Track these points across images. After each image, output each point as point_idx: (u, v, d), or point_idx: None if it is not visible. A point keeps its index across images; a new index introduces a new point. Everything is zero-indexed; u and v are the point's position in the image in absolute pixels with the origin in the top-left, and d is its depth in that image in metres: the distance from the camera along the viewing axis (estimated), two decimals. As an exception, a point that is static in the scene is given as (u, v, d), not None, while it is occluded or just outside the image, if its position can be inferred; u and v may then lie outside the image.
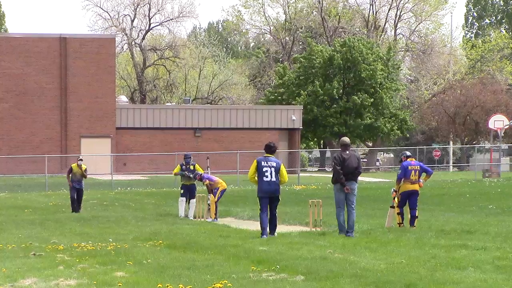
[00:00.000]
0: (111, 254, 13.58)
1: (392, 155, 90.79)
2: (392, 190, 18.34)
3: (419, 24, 79.73)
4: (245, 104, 72.30)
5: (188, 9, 77.22)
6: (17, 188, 39.49)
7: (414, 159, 18.33)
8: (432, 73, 78.45)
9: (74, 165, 26.11)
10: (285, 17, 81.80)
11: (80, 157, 26.63)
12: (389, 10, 79.27)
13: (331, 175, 16.88)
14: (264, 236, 16.36)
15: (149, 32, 77.16)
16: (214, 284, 10.27)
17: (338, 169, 16.33)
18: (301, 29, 79.69)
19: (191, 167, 24.18)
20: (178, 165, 24.69)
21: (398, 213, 18.08)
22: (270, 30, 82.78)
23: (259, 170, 16.48)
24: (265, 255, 13.05)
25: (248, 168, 16.88)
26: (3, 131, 53.40)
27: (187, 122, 56.05)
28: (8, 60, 53.67)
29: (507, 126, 56.79)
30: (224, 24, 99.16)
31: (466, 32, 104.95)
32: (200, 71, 78.09)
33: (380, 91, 65.16)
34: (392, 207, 18.20)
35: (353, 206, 16.51)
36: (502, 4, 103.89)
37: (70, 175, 25.95)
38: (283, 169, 16.63)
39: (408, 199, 17.95)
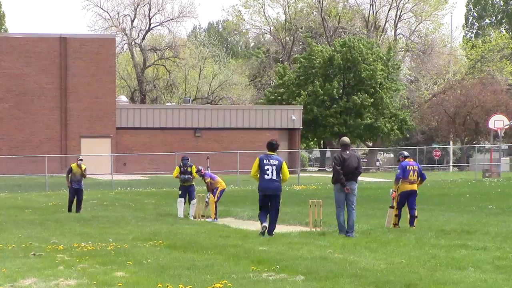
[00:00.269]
0: (111, 254, 13.58)
1: (392, 155, 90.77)
2: (392, 191, 18.27)
3: (419, 24, 79.76)
4: (245, 104, 72.29)
5: (188, 9, 77.32)
6: (17, 188, 39.48)
7: (412, 159, 18.34)
8: (432, 73, 78.46)
9: (73, 165, 26.13)
10: (285, 17, 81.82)
11: (80, 157, 26.65)
12: (389, 10, 79.31)
13: (331, 175, 16.87)
14: (264, 224, 16.33)
15: (149, 32, 77.19)
16: (214, 284, 10.27)
17: (338, 169, 16.33)
18: (301, 29, 79.70)
19: (189, 169, 24.15)
20: (177, 167, 24.61)
21: (395, 215, 18.04)
22: (270, 30, 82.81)
23: (261, 168, 16.54)
24: (265, 255, 13.05)
25: (248, 168, 16.93)
26: (3, 131, 53.41)
27: (187, 122, 56.05)
28: (8, 60, 53.67)
29: (507, 126, 56.79)
30: (224, 24, 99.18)
31: (466, 32, 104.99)
32: (200, 71, 78.09)
33: (380, 91, 65.18)
34: (392, 207, 18.18)
35: (353, 206, 16.50)
36: (502, 4, 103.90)
37: (70, 175, 25.96)
38: (285, 167, 16.63)
39: (407, 199, 17.94)
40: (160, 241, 15.54)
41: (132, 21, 75.81)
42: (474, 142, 74.93)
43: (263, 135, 56.17)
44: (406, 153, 18.44)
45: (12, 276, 11.25)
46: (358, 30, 79.57)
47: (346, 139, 16.84)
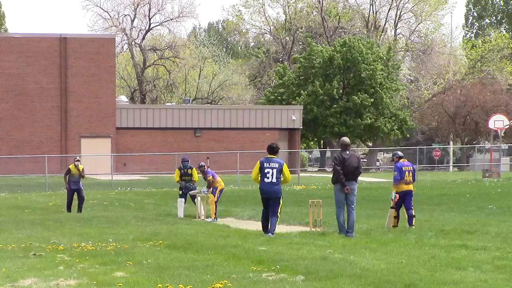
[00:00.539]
0: (111, 254, 13.57)
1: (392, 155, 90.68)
2: (394, 194, 18.02)
3: (419, 24, 79.79)
4: (245, 104, 72.28)
5: (188, 9, 77.35)
6: (17, 188, 39.46)
7: (406, 160, 18.35)
8: (432, 73, 78.47)
9: (71, 166, 26.17)
10: (285, 17, 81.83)
11: (77, 157, 26.65)
12: (389, 10, 79.36)
13: (331, 175, 16.88)
14: (269, 232, 16.53)
15: (149, 32, 77.20)
16: (214, 284, 10.27)
17: (338, 169, 16.33)
18: (301, 29, 79.71)
19: (189, 171, 24.11)
20: (177, 169, 24.49)
21: (394, 216, 18.03)
22: (270, 30, 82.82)
23: (261, 171, 16.65)
24: (265, 255, 13.05)
25: (248, 168, 17.05)
26: (3, 131, 53.42)
27: (187, 122, 56.07)
28: (8, 60, 53.69)
29: (507, 126, 56.78)
30: (224, 24, 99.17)
31: (466, 32, 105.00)
32: (200, 71, 78.08)
33: (380, 91, 65.18)
34: (393, 207, 18.18)
35: (353, 206, 16.51)
36: (502, 4, 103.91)
37: (68, 176, 26.02)
38: (286, 169, 16.72)
39: (404, 199, 17.95)
40: (160, 241, 15.53)
41: (132, 21, 75.86)
42: (474, 142, 74.94)
43: (263, 135, 56.26)
44: (400, 153, 18.41)
45: (12, 276, 11.25)
46: (358, 30, 79.58)
47: (346, 139, 16.84)
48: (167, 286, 10.23)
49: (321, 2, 78.07)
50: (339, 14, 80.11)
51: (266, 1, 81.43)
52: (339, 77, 65.13)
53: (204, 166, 23.97)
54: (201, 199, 23.50)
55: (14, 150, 52.59)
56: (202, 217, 22.76)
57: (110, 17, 75.36)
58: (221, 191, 23.58)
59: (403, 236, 15.80)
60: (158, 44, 77.37)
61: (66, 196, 26.47)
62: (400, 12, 78.97)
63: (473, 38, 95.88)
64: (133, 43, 76.08)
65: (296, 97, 64.83)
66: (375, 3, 79.59)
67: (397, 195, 17.88)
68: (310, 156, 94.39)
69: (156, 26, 77.27)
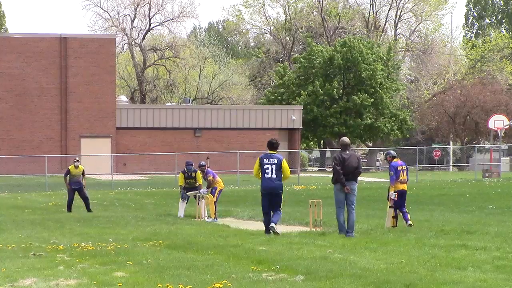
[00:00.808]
0: (111, 254, 13.57)
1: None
2: (394, 194, 18.05)
3: (419, 24, 79.78)
4: (245, 104, 72.29)
5: (188, 9, 77.29)
6: (17, 188, 39.47)
7: (398, 159, 18.42)
8: (432, 73, 78.48)
9: (71, 167, 26.13)
10: (285, 17, 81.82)
11: (77, 158, 26.58)
12: (389, 10, 79.36)
13: (331, 175, 16.88)
14: (271, 228, 16.57)
15: (149, 32, 77.18)
16: (214, 284, 10.27)
17: (338, 169, 16.33)
18: (301, 29, 79.71)
19: (193, 174, 23.93)
20: (181, 173, 24.29)
21: (393, 216, 18.05)
22: (270, 30, 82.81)
23: (261, 167, 16.69)
24: (265, 255, 13.05)
25: (248, 168, 17.12)
26: (3, 131, 53.43)
27: (187, 122, 56.06)
28: (8, 60, 53.68)
29: (507, 126, 56.79)
30: (224, 24, 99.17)
31: (466, 32, 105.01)
32: (200, 71, 78.06)
33: (380, 91, 65.19)
34: (392, 207, 18.20)
35: (353, 206, 16.51)
36: (502, 4, 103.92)
37: (68, 177, 25.99)
38: (285, 165, 16.75)
39: (400, 198, 18.04)
40: (160, 241, 15.53)
41: (132, 21, 75.84)
42: (474, 142, 74.95)
43: (263, 135, 56.20)
44: (393, 153, 18.49)
45: (12, 276, 11.26)
46: (358, 30, 79.57)
47: (346, 139, 16.85)
48: (167, 286, 10.23)
49: (321, 2, 78.07)
50: (339, 14, 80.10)
51: (266, 1, 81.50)
52: (339, 77, 65.14)
53: (204, 165, 23.93)
54: (200, 199, 23.49)
55: (14, 150, 52.59)
56: (204, 218, 22.74)
57: (110, 17, 75.40)
58: (220, 191, 23.58)
59: (403, 236, 15.80)
60: (158, 44, 77.35)
61: (67, 196, 26.43)
62: (400, 12, 78.99)
63: (473, 38, 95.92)
64: (133, 43, 76.07)
65: (296, 97, 64.83)
66: (375, 3, 79.64)
67: (396, 194, 17.91)
68: (310, 156, 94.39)
69: (156, 26, 77.33)
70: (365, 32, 77.99)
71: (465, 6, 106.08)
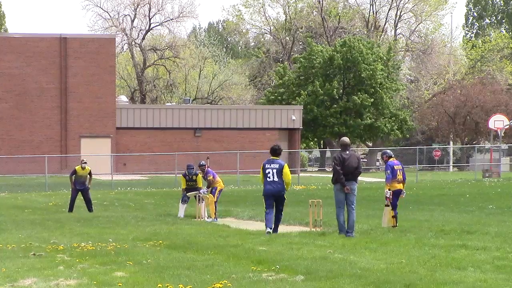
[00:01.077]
0: (111, 254, 13.57)
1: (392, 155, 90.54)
2: (388, 193, 18.11)
3: (419, 24, 79.79)
4: (245, 104, 72.29)
5: (188, 9, 77.28)
6: (17, 188, 39.48)
7: (395, 159, 18.49)
8: (432, 73, 78.49)
9: (78, 167, 25.97)
10: (285, 17, 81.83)
11: (84, 159, 26.43)
12: (389, 10, 79.37)
13: (331, 175, 16.90)
14: (268, 229, 16.81)
15: (149, 32, 77.18)
16: (214, 284, 10.27)
17: (338, 169, 16.34)
18: (301, 29, 79.71)
19: (194, 177, 23.91)
20: (182, 176, 24.26)
21: (392, 216, 18.06)
22: (270, 30, 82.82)
23: (264, 172, 17.10)
24: (265, 255, 13.05)
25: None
26: (3, 131, 53.43)
27: (187, 122, 56.06)
28: (8, 60, 53.68)
29: (507, 126, 56.78)
30: (224, 24, 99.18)
31: (466, 32, 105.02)
32: (200, 71, 78.06)
33: (380, 91, 65.19)
34: (387, 205, 18.25)
35: (353, 206, 16.52)
36: (502, 4, 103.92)
37: (74, 176, 25.86)
38: (286, 170, 17.05)
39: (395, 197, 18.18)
40: (160, 241, 15.54)
41: (132, 21, 75.84)
42: (474, 142, 74.94)
43: (263, 135, 56.25)
44: (390, 152, 18.56)
45: (12, 276, 11.26)
46: (358, 30, 79.59)
47: (346, 139, 16.87)
48: (167, 286, 10.24)
49: (321, 2, 78.08)
50: (339, 14, 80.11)
51: (266, 1, 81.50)
52: (339, 77, 65.14)
53: (204, 165, 23.92)
54: (200, 200, 23.49)
55: (14, 150, 52.59)
56: (204, 218, 22.75)
57: (110, 17, 75.40)
58: (220, 191, 23.58)
59: (403, 236, 15.80)
60: (158, 44, 77.35)
61: (70, 195, 26.36)
62: (400, 12, 78.99)
63: (473, 38, 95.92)
64: (133, 43, 76.07)
65: (296, 97, 64.83)
66: (375, 3, 79.63)
67: (391, 192, 17.98)
68: (310, 156, 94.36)
69: (156, 26, 77.32)
70: (365, 32, 78.00)
71: (465, 6, 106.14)
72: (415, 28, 79.78)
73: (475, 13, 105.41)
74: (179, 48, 75.26)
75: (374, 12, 79.99)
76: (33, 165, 49.00)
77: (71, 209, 25.88)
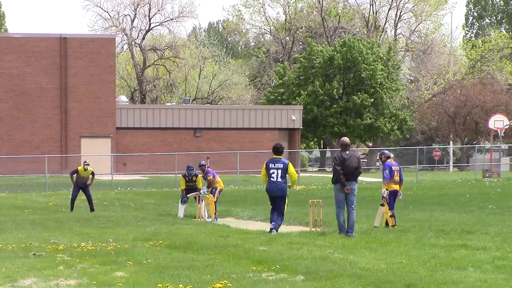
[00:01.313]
0: (111, 254, 13.57)
1: (391, 155, 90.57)
2: (386, 192, 18.15)
3: (419, 24, 79.82)
4: (245, 104, 72.29)
5: (188, 9, 77.30)
6: (17, 188, 39.49)
7: (393, 160, 18.55)
8: (432, 73, 78.51)
9: (80, 168, 26.03)
10: (285, 17, 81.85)
11: (87, 161, 26.39)
12: (389, 10, 79.37)
13: (331, 175, 16.91)
14: (273, 229, 17.06)
15: (149, 32, 77.18)
16: (214, 284, 10.27)
17: (338, 169, 16.34)
18: (301, 29, 79.72)
19: (194, 178, 23.88)
20: (181, 177, 24.23)
21: (390, 216, 18.08)
22: (270, 30, 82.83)
23: (267, 172, 17.22)
24: (265, 255, 13.05)
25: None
26: (3, 131, 53.43)
27: (187, 122, 56.05)
28: (8, 60, 53.68)
29: (507, 126, 56.78)
30: (224, 24, 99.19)
31: (466, 32, 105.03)
32: (200, 71, 78.06)
33: (380, 91, 65.19)
34: (382, 205, 18.30)
35: (353, 206, 16.52)
36: (502, 4, 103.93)
37: (75, 176, 25.88)
38: (291, 168, 17.23)
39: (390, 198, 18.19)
40: (160, 241, 15.53)
41: (132, 21, 75.85)
42: (474, 142, 74.95)
43: (263, 135, 56.24)
44: (388, 153, 18.64)
45: (12, 276, 11.25)
46: (358, 30, 79.60)
47: (346, 139, 16.87)
48: (167, 286, 10.23)
49: (321, 2, 78.09)
50: (339, 14, 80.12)
51: (266, 1, 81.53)
52: (339, 77, 65.14)
53: (204, 165, 23.90)
54: (200, 200, 23.47)
55: (14, 150, 52.59)
56: (204, 218, 22.73)
57: (110, 17, 75.40)
58: (220, 191, 23.56)
59: (403, 236, 15.81)
60: (158, 44, 77.35)
61: (71, 194, 26.35)
62: (400, 12, 79.01)
63: (473, 38, 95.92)
64: (133, 43, 76.08)
65: (296, 97, 64.83)
66: (375, 3, 79.65)
67: (388, 191, 18.03)
68: (310, 156, 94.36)
69: (156, 26, 77.33)
70: (365, 32, 78.01)
71: (465, 6, 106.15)
72: (415, 28, 79.79)
73: (475, 13, 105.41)
74: (179, 48, 75.26)
75: (374, 12, 80.00)
76: (33, 165, 49.00)
77: (72, 207, 25.92)
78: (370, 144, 75.02)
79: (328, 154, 75.94)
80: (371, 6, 79.96)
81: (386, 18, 79.85)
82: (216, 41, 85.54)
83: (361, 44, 65.27)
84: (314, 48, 66.73)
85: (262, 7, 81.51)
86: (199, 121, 56.20)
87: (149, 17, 75.84)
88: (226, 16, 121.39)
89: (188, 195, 23.69)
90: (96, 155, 49.02)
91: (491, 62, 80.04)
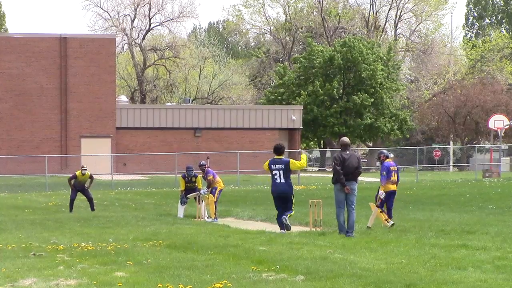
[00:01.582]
0: (111, 254, 13.57)
1: (392, 155, 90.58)
2: (383, 193, 18.22)
3: (419, 24, 79.83)
4: (245, 104, 72.28)
5: (188, 9, 77.32)
6: (17, 188, 39.48)
7: (391, 159, 18.55)
8: (432, 73, 78.51)
9: (78, 173, 26.08)
10: (285, 17, 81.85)
11: (84, 166, 26.40)
12: (389, 10, 79.38)
13: (331, 175, 16.91)
14: (282, 230, 17.21)
15: (149, 32, 77.19)
16: (214, 284, 10.27)
17: (338, 169, 16.34)
18: (301, 29, 79.72)
19: (193, 179, 23.86)
20: (181, 177, 24.21)
21: (381, 211, 18.24)
22: (270, 30, 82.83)
23: (270, 171, 17.34)
24: (265, 255, 13.05)
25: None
26: (3, 131, 53.42)
27: (187, 122, 56.05)
28: (8, 60, 53.67)
29: (507, 126, 56.77)
30: (225, 24, 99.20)
31: (467, 32, 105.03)
32: (200, 71, 78.08)
33: (380, 91, 65.20)
34: (378, 206, 18.36)
35: (353, 206, 16.52)
36: (502, 4, 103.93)
37: (73, 181, 25.94)
38: (293, 164, 17.32)
39: (387, 199, 18.16)
40: (160, 241, 15.53)
41: (132, 21, 75.85)
42: (474, 142, 74.94)
43: (263, 135, 56.24)
44: (387, 153, 18.66)
45: (12, 276, 11.25)
46: (358, 30, 79.60)
47: (346, 139, 16.86)
48: (167, 286, 10.23)
49: (321, 2, 78.09)
50: (339, 14, 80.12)
51: (266, 1, 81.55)
52: (339, 77, 65.14)
53: (204, 165, 23.88)
54: (200, 199, 23.47)
55: (14, 150, 52.58)
56: (204, 218, 22.72)
57: (110, 17, 75.41)
58: (220, 191, 23.54)
59: (403, 236, 15.81)
60: (158, 44, 77.35)
61: (70, 196, 26.37)
62: (400, 12, 79.01)
63: (473, 38, 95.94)
64: (133, 43, 76.08)
65: (296, 97, 64.83)
66: (375, 3, 79.66)
67: (385, 193, 18.09)
68: (310, 156, 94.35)
69: (156, 26, 77.34)
70: (365, 32, 78.01)
71: (465, 6, 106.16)
72: (415, 28, 79.80)
73: (475, 13, 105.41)
74: (179, 48, 75.26)
75: (374, 12, 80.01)
76: (33, 165, 48.99)
77: (71, 209, 25.94)
78: (370, 144, 75.02)
79: (328, 154, 75.93)
80: (371, 6, 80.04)
81: (386, 18, 79.90)
82: (216, 41, 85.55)
83: (361, 44, 65.27)
84: (314, 48, 66.73)
85: (262, 7, 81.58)
86: (199, 121, 56.20)
87: (149, 17, 75.88)
88: (226, 16, 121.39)
89: (188, 196, 23.67)
90: (96, 155, 49.05)
91: (491, 62, 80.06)
